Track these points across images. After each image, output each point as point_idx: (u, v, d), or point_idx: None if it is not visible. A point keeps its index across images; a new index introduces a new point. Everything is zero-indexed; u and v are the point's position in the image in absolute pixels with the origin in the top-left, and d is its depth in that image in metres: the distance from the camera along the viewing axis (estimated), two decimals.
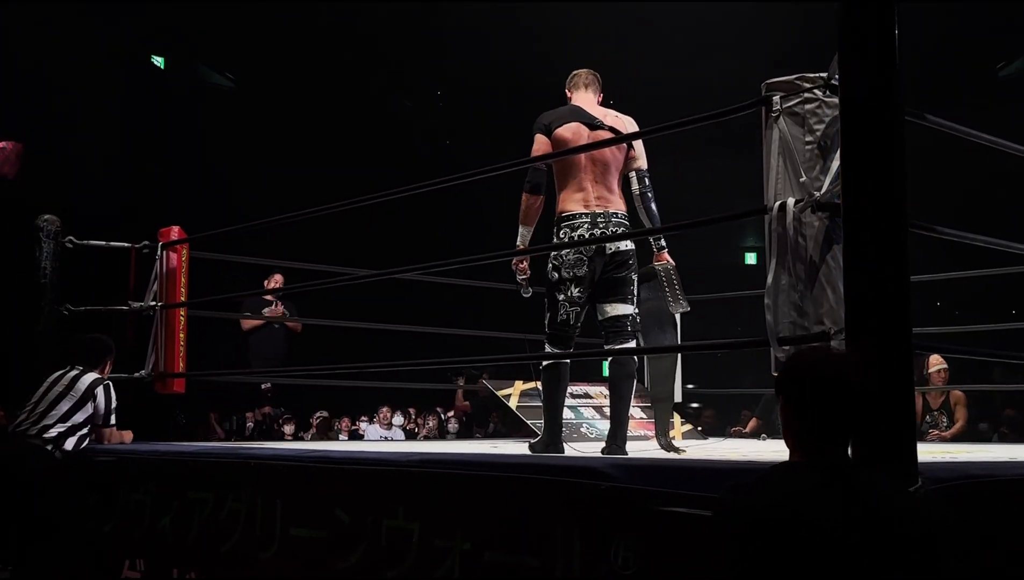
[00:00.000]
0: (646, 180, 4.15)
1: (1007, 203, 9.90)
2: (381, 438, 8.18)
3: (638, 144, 4.15)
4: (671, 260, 4.18)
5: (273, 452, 3.89)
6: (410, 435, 8.89)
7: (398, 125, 12.45)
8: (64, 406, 4.48)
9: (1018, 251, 3.46)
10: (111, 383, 4.62)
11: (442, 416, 9.57)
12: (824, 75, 2.80)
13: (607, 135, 4.08)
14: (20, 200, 7.72)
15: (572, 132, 4.10)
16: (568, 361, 4.10)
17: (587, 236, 4.00)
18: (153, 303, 5.04)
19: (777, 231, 2.83)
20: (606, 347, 4.10)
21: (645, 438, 5.41)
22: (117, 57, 10.27)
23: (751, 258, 14.09)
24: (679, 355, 5.03)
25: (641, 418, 5.68)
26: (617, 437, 4.02)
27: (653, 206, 4.13)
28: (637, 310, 4.19)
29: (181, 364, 5.05)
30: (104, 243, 5.22)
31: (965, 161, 8.58)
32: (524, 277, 4.23)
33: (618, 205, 4.10)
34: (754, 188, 2.98)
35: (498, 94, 11.69)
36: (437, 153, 12.13)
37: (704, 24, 10.83)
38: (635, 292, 4.13)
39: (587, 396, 5.42)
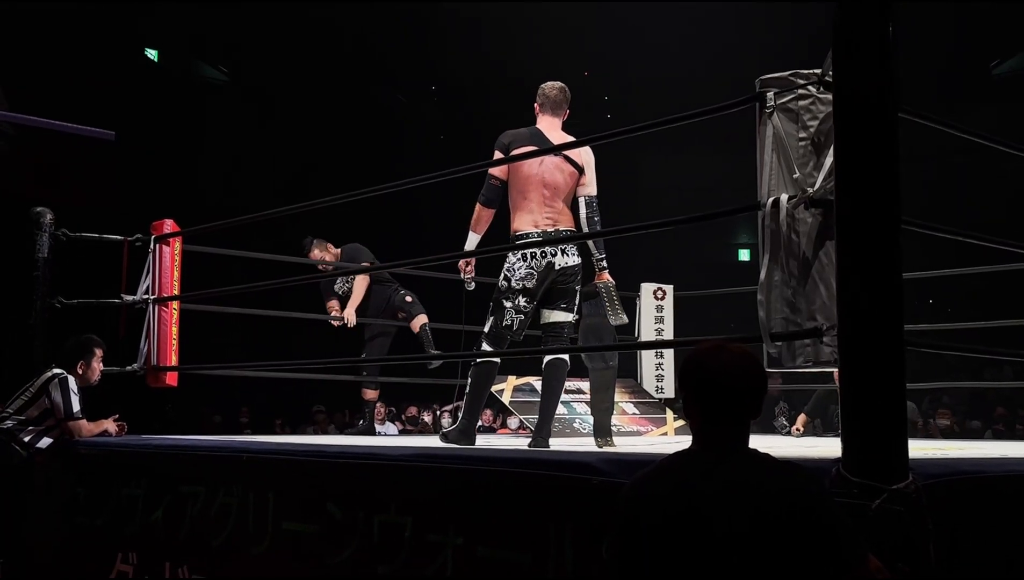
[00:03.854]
0: (594, 205, 4.42)
1: (1006, 202, 9.93)
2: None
3: (589, 171, 4.41)
4: (611, 279, 4.43)
5: (265, 446, 3.89)
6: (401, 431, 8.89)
7: (392, 120, 12.44)
8: (20, 401, 4.55)
9: (1009, 248, 3.46)
10: (68, 378, 4.59)
11: (438, 412, 9.56)
12: (818, 71, 2.80)
13: (562, 163, 4.32)
14: (13, 193, 7.70)
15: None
16: (498, 362, 4.38)
17: (539, 253, 4.25)
18: (146, 296, 5.04)
19: (770, 227, 2.83)
20: (544, 347, 4.37)
21: (638, 434, 5.42)
22: (111, 50, 10.24)
23: (744, 254, 14.14)
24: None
25: (634, 414, 5.68)
26: (543, 431, 4.27)
27: (599, 229, 4.40)
28: (576, 317, 4.48)
29: (173, 357, 5.05)
30: (97, 236, 5.21)
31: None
32: (469, 277, 4.57)
33: (567, 222, 4.35)
34: (748, 184, 2.98)
35: (492, 90, 11.69)
36: (430, 148, 12.13)
37: (699, 21, 10.84)
38: (576, 303, 4.43)
39: (580, 391, 5.42)
